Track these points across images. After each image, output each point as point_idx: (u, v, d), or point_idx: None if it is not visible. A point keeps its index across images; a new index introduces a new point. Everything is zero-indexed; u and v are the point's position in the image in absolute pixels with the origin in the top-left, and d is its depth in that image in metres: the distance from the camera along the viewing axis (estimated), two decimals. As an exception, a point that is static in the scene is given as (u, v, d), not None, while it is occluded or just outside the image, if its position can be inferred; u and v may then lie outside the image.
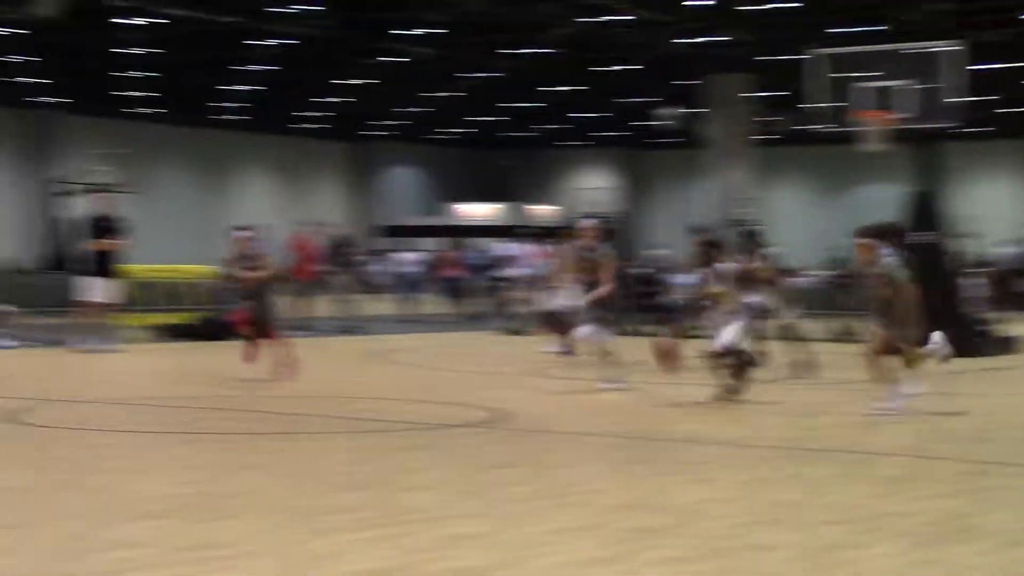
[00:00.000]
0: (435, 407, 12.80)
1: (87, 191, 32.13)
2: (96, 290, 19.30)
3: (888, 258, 11.90)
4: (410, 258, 32.03)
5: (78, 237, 20.60)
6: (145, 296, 22.85)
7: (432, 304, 31.03)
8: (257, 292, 15.42)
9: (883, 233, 12.17)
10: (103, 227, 19.78)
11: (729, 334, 12.96)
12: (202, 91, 52.20)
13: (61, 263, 21.40)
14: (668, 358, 13.62)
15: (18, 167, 52.20)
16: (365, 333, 24.52)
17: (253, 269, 15.46)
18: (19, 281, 28.04)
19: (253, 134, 59.43)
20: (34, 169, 51.66)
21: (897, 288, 11.74)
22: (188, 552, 6.10)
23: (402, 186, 66.42)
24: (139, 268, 22.27)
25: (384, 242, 54.88)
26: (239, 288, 15.70)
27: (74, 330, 19.65)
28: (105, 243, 19.58)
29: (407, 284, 31.33)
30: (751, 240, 16.01)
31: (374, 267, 40.20)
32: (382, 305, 32.86)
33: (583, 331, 13.96)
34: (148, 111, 54.47)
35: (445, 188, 65.69)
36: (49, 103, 51.61)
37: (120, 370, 17.50)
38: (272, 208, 55.25)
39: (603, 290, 13.72)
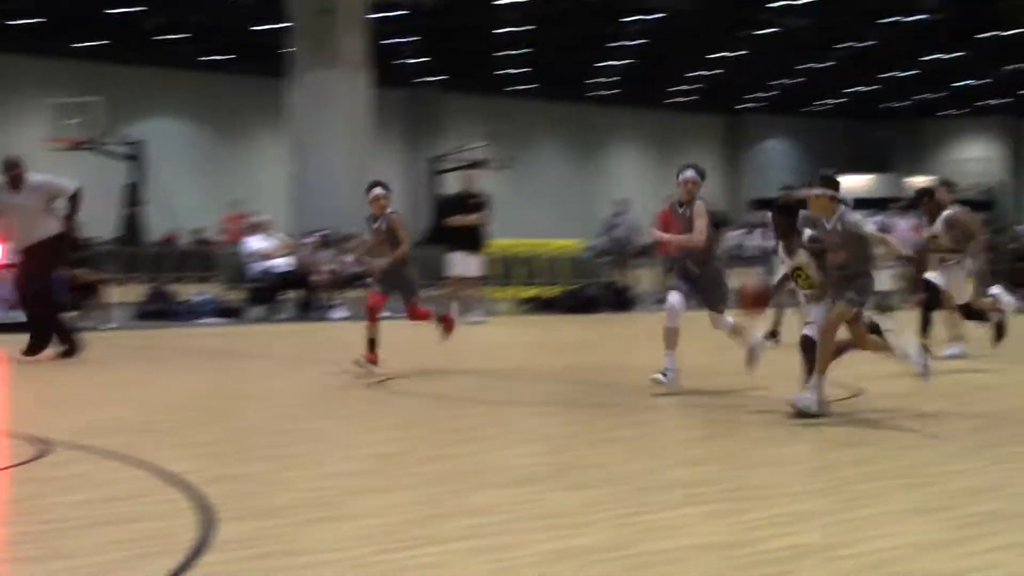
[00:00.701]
0: (795, 383, 12.73)
1: (463, 168, 33.31)
2: (462, 264, 20.20)
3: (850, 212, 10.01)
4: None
5: (446, 213, 21.52)
6: (513, 270, 23.65)
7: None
8: (396, 265, 13.64)
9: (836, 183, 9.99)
10: (468, 203, 20.64)
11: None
12: (576, 67, 53.17)
13: (438, 238, 22.48)
14: (756, 302, 11.49)
15: (405, 146, 54.54)
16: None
17: (386, 235, 13.59)
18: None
19: (626, 108, 60.08)
20: (419, 147, 53.87)
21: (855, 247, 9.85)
22: (533, 520, 6.37)
23: (775, 158, 65.86)
24: (506, 242, 23.06)
25: (756, 215, 54.51)
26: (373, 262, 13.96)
27: (443, 303, 20.54)
28: (469, 219, 20.43)
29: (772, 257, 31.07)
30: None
31: (742, 240, 40.02)
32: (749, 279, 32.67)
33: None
34: (524, 88, 55.84)
35: (819, 160, 64.63)
36: (433, 83, 53.66)
37: (487, 342, 18.15)
38: (644, 182, 55.76)
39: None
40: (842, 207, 9.91)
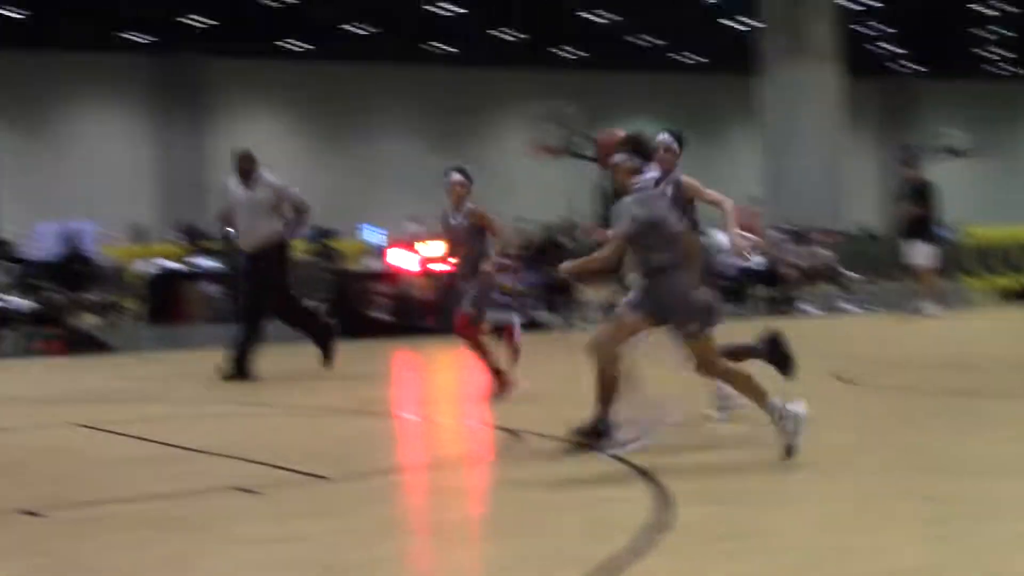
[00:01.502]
0: None
1: (932, 156, 32.46)
2: (918, 254, 19.90)
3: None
4: None
5: (900, 202, 21.14)
6: (989, 258, 23.00)
7: None
8: (469, 272, 10.91)
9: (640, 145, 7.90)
10: (917, 192, 20.26)
11: None
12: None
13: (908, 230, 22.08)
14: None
15: (879, 134, 53.47)
16: None
17: (465, 233, 10.91)
18: (866, 248, 29.15)
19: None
20: (893, 136, 52.68)
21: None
22: (996, 509, 6.34)
23: None
24: (983, 230, 22.48)
25: None
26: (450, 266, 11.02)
27: (907, 295, 20.30)
28: (914, 208, 20.04)
29: None
30: None
31: None
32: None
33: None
34: (1009, 71, 53.67)
35: None
36: (907, 69, 52.45)
37: (949, 334, 17.73)
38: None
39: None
40: (641, 180, 7.89)
